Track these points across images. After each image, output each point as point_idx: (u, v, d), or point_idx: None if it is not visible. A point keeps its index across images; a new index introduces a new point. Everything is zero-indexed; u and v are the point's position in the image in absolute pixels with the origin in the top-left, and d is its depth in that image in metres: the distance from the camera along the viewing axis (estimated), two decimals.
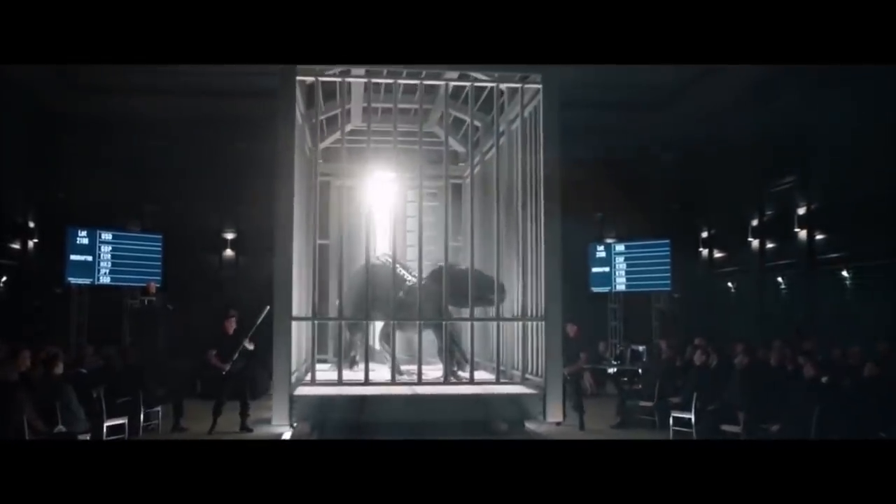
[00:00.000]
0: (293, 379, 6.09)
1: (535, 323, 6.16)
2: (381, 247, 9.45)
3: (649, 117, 16.04)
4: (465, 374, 6.38)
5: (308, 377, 6.57)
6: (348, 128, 9.10)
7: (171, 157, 15.40)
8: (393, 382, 5.88)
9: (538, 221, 6.14)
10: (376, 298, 6.20)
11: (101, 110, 14.95)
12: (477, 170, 8.38)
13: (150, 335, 12.82)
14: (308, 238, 6.31)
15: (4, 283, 13.50)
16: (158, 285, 13.91)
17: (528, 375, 6.25)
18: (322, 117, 8.77)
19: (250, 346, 10.19)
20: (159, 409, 10.48)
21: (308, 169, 7.44)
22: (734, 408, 9.06)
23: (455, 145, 9.54)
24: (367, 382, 5.87)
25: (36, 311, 13.75)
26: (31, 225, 14.37)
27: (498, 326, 6.26)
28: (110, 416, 8.91)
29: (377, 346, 7.95)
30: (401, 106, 8.26)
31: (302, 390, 5.74)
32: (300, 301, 6.39)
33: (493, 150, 6.90)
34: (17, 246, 14.12)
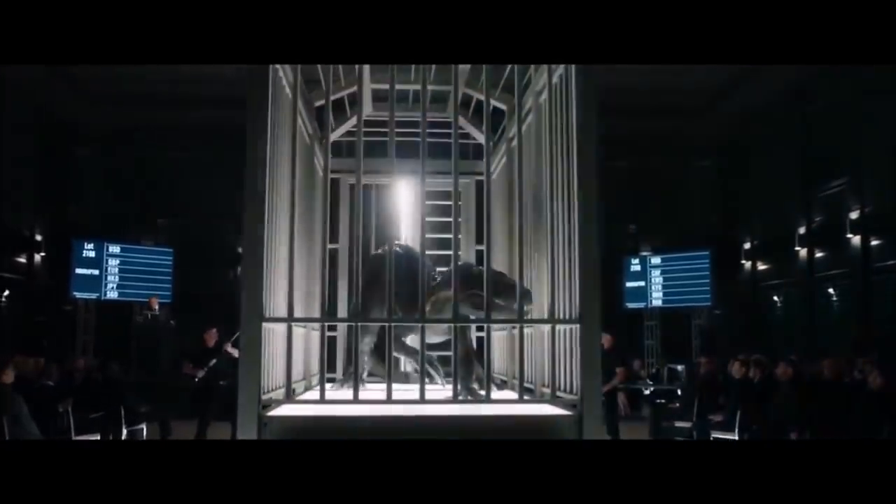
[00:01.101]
0: (281, 395, 4.82)
1: (567, 327, 4.75)
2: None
3: (687, 122, 14.81)
4: (485, 392, 5.01)
5: (313, 394, 5.35)
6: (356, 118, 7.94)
7: (186, 168, 14.45)
8: (389, 401, 4.51)
9: (571, 204, 4.77)
10: (375, 292, 4.88)
11: (112, 121, 14.06)
12: (504, 161, 7.16)
13: (150, 351, 11.80)
14: (285, 238, 5.03)
15: (7, 297, 12.47)
16: (161, 300, 12.76)
17: (559, 393, 4.84)
18: (321, 102, 7.63)
19: (235, 353, 8.95)
20: (143, 426, 9.25)
21: (309, 162, 6.22)
22: (785, 427, 7.86)
23: (479, 136, 8.22)
24: (356, 400, 4.51)
25: (39, 325, 12.72)
26: (39, 238, 13.18)
27: (521, 331, 4.85)
28: (80, 433, 7.99)
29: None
30: (409, 87, 7.06)
31: (277, 410, 4.43)
32: (294, 304, 5.09)
33: (517, 131, 5.55)
34: (23, 260, 13.01)
